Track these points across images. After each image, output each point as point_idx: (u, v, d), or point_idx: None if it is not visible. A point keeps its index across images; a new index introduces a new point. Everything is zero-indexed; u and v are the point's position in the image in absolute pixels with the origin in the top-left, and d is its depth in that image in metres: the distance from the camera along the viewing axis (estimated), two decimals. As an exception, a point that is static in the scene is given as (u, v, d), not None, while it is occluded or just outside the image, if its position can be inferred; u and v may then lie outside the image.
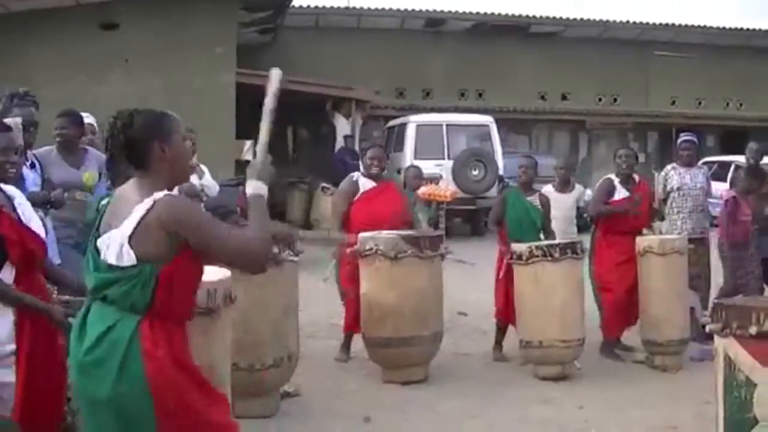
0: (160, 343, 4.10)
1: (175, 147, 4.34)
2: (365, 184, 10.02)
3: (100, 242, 4.19)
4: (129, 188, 4.29)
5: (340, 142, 25.38)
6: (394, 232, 9.19)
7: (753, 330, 4.89)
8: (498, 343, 10.27)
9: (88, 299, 4.26)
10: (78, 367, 4.17)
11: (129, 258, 4.06)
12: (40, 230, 5.31)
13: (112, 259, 4.11)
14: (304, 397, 8.29)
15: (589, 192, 12.60)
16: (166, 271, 4.08)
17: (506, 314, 10.06)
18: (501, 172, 22.73)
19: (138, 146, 4.27)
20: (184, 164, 4.51)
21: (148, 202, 4.11)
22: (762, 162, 11.88)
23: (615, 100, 35.46)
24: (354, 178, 10.19)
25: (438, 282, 9.15)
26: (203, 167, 10.93)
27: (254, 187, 4.30)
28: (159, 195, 4.13)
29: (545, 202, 10.46)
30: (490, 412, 7.98)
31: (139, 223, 4.08)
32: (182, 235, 4.09)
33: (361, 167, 10.51)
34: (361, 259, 8.95)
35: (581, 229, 12.07)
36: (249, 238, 4.21)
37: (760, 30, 36.42)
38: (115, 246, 4.11)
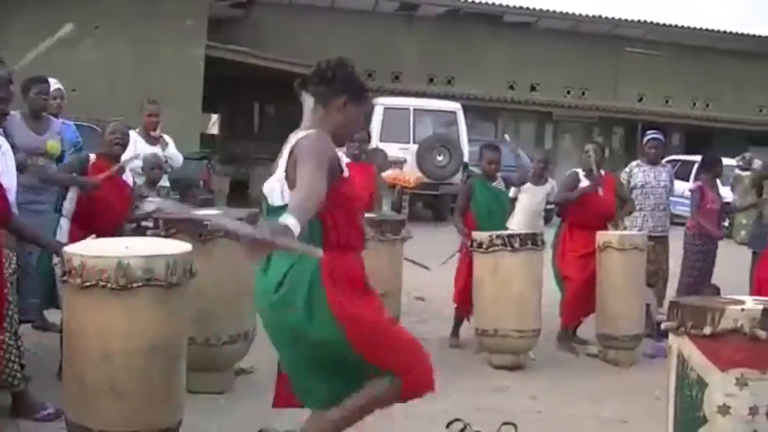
0: (336, 273, 4.75)
1: (352, 112, 5.19)
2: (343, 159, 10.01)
3: (265, 188, 4.88)
4: (292, 134, 5.00)
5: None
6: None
7: (707, 330, 4.94)
8: (456, 330, 10.32)
9: None
10: (269, 305, 4.82)
11: (287, 195, 4.66)
12: (10, 185, 5.38)
13: (278, 201, 4.77)
14: (258, 374, 8.26)
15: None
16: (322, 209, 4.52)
17: (463, 300, 10.12)
18: (466, 159, 22.78)
19: (333, 87, 5.22)
20: (349, 130, 5.29)
21: (292, 141, 4.84)
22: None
23: (583, 93, 35.64)
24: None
25: (397, 266, 9.18)
26: (168, 138, 10.91)
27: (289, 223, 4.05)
28: (301, 134, 4.88)
29: (510, 181, 10.55)
30: (444, 399, 8.00)
31: (287, 163, 4.73)
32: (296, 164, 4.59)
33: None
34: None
35: (546, 221, 12.13)
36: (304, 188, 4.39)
37: (729, 32, 36.72)
38: (277, 188, 4.78)
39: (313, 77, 5.38)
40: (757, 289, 10.26)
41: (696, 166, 23.96)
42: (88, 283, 5.23)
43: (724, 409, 4.92)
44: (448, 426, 7.13)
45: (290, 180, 4.69)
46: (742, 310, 4.94)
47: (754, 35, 37.42)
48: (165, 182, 10.56)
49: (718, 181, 11.74)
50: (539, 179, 11.67)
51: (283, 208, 4.46)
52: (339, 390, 5.07)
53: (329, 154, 4.85)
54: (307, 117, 5.15)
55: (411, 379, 5.23)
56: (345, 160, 9.73)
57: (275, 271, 4.79)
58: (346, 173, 5.04)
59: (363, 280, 5.15)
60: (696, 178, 12.90)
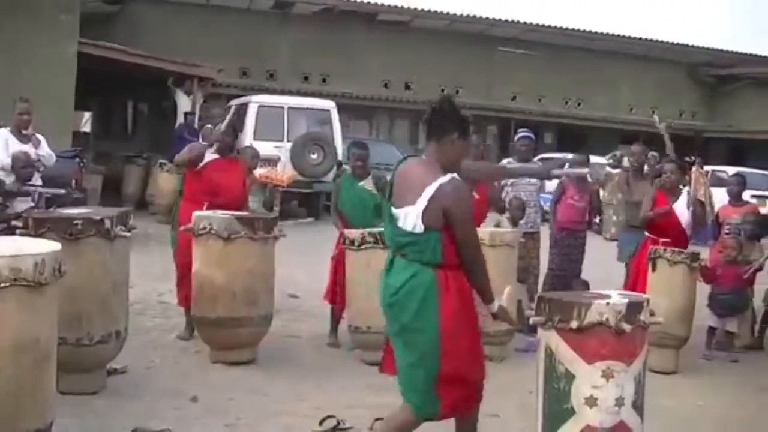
0: (451, 288, 5.67)
1: (461, 146, 5.87)
2: (211, 154, 9.94)
3: (396, 212, 5.80)
4: (416, 168, 5.87)
5: (181, 119, 25.11)
6: (229, 212, 9.18)
7: (574, 324, 5.04)
8: (334, 329, 10.33)
9: (390, 254, 5.96)
10: (388, 303, 5.85)
11: (420, 227, 5.64)
12: None
13: (409, 228, 5.70)
14: (131, 374, 8.22)
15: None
16: (444, 237, 5.63)
17: (332, 296, 10.19)
18: (340, 157, 22.81)
19: (446, 125, 5.83)
20: (459, 162, 5.91)
21: (434, 186, 5.62)
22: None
23: (457, 92, 35.83)
24: (203, 143, 10.14)
25: (270, 264, 9.15)
26: (40, 137, 10.76)
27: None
28: (444, 180, 5.64)
29: (381, 186, 10.56)
30: (317, 396, 8.03)
31: (428, 202, 5.60)
32: (450, 217, 5.60)
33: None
34: (195, 238, 8.90)
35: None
36: (478, 246, 5.82)
37: (601, 33, 37.26)
38: (411, 218, 5.67)
39: (427, 116, 5.95)
40: (634, 276, 10.52)
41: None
42: (-45, 283, 5.14)
43: (591, 401, 5.02)
44: (321, 423, 7.15)
45: (429, 219, 5.62)
46: (608, 304, 5.05)
47: (625, 36, 38.01)
48: (37, 180, 10.42)
49: (590, 179, 11.91)
50: None
51: (413, 235, 5.69)
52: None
53: None
54: (429, 152, 5.87)
55: (447, 404, 5.83)
56: (212, 156, 9.69)
57: (397, 277, 5.81)
58: None
59: (471, 298, 5.90)
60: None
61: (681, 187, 10.89)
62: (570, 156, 17.77)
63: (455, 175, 5.74)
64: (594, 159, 25.46)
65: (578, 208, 11.77)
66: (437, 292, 5.66)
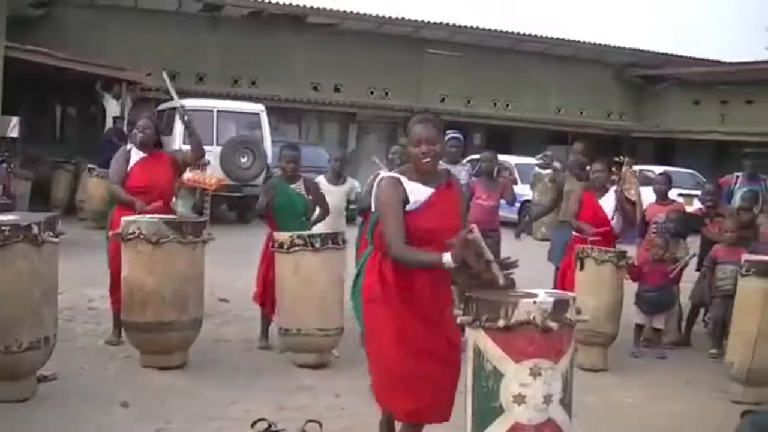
0: (375, 270, 5.92)
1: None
2: (137, 153, 9.90)
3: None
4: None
5: (110, 123, 24.93)
6: (157, 216, 9.15)
7: (501, 323, 5.06)
8: (264, 331, 10.31)
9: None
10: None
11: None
12: None
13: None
14: (60, 381, 8.14)
15: (358, 185, 12.76)
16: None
17: (263, 299, 10.19)
18: (269, 160, 22.78)
19: None
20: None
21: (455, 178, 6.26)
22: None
23: (386, 94, 35.98)
24: (127, 149, 10.07)
25: (199, 268, 9.12)
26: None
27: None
28: (381, 173, 6.20)
29: (312, 188, 10.57)
30: (248, 399, 8.03)
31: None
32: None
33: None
34: (124, 243, 8.85)
35: (349, 221, 12.19)
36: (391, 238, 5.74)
37: (529, 34, 37.51)
38: None
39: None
40: (561, 277, 10.63)
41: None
42: None
43: (519, 399, 5.05)
44: (252, 425, 7.15)
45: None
46: (534, 302, 5.08)
47: (553, 37, 38.32)
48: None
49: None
50: (337, 178, 11.74)
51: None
52: None
53: None
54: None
55: (379, 396, 6.09)
56: (140, 154, 9.64)
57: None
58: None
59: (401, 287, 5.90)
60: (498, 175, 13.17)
61: (608, 186, 10.99)
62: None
63: (393, 172, 5.95)
64: (523, 160, 25.87)
65: (487, 207, 11.80)
66: (365, 268, 6.16)
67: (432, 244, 5.67)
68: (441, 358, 5.90)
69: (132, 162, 9.81)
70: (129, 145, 10.19)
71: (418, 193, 5.81)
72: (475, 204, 11.62)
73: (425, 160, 5.79)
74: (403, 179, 5.82)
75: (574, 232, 10.92)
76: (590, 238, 10.51)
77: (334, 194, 11.39)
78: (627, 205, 11.07)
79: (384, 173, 6.04)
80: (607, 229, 10.71)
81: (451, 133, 11.78)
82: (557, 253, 11.61)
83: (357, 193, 11.93)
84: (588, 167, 11.35)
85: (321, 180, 11.51)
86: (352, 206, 12.17)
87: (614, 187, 11.06)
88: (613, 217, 10.85)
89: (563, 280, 10.63)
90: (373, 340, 6.02)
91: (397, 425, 6.29)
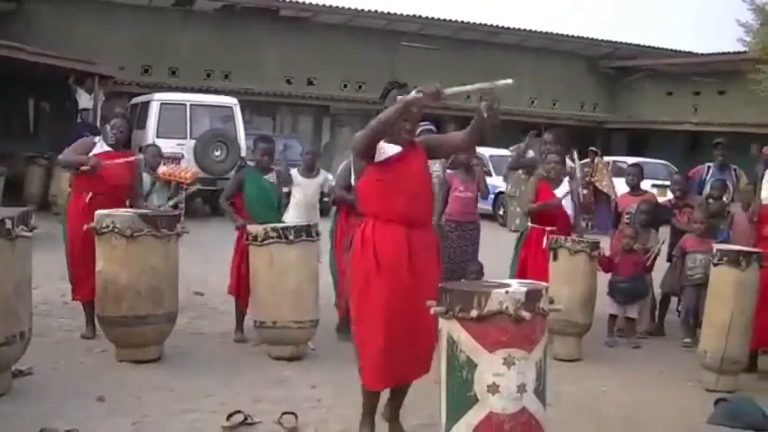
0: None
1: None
2: (102, 146, 9.86)
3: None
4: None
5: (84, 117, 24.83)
6: (132, 210, 9.15)
7: (474, 313, 5.11)
8: (239, 324, 10.30)
9: None
10: None
11: None
12: None
13: None
14: (36, 375, 8.13)
15: (332, 177, 12.77)
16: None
17: (237, 291, 10.19)
18: (243, 153, 22.77)
19: None
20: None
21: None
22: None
23: (360, 87, 35.95)
24: (94, 140, 10.02)
25: (174, 261, 9.12)
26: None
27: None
28: None
29: (285, 178, 10.58)
30: (224, 392, 8.03)
31: None
32: None
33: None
34: (97, 237, 8.84)
35: (323, 213, 12.19)
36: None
37: (502, 26, 37.57)
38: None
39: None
40: (522, 266, 10.68)
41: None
42: None
43: (493, 388, 5.10)
44: (228, 418, 7.14)
45: None
46: (507, 292, 5.13)
47: (526, 29, 38.42)
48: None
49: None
50: (310, 172, 11.75)
51: None
52: None
53: None
54: None
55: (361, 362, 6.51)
56: (104, 147, 9.62)
57: None
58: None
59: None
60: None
61: (562, 177, 11.04)
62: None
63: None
64: (496, 152, 25.89)
65: (465, 198, 11.84)
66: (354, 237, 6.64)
67: (400, 194, 6.39)
68: (417, 318, 6.12)
69: (94, 152, 9.76)
70: (97, 138, 10.14)
71: (388, 148, 6.59)
72: (453, 196, 11.66)
73: (405, 136, 6.67)
74: None
75: (530, 224, 10.97)
76: (547, 228, 10.57)
77: (307, 187, 11.41)
78: (580, 193, 11.16)
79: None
80: (564, 218, 10.76)
81: (423, 125, 11.77)
82: None
83: (330, 185, 11.95)
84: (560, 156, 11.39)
85: (294, 173, 11.53)
86: (325, 199, 12.20)
87: (567, 178, 11.10)
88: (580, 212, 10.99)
89: (523, 271, 10.65)
90: (357, 302, 6.51)
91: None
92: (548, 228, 10.57)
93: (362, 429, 6.83)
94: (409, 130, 6.68)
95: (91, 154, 9.71)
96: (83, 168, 9.59)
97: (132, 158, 10.16)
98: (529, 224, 10.97)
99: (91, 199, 9.48)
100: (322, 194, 12.12)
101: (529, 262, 10.63)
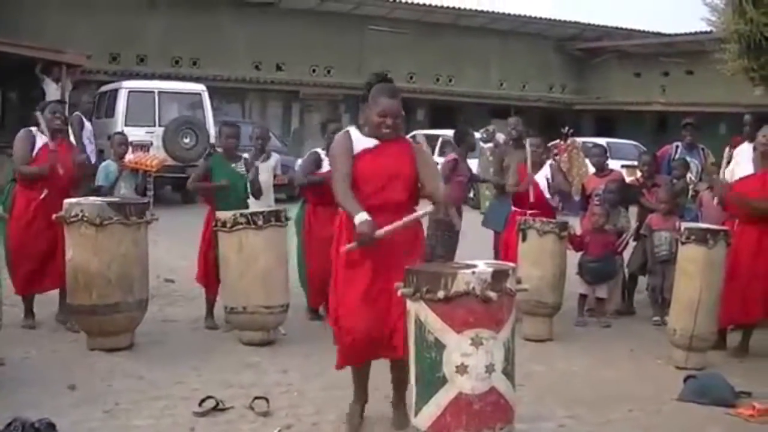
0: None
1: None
2: (41, 137, 9.81)
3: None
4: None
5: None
6: (100, 198, 9.14)
7: (441, 294, 5.14)
8: (210, 311, 10.29)
9: None
10: None
11: None
12: None
13: None
14: (8, 365, 8.13)
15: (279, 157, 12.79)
16: None
17: (205, 279, 10.21)
18: (212, 140, 22.74)
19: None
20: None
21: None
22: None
23: (329, 71, 35.92)
24: (32, 132, 9.95)
25: (143, 249, 9.11)
26: None
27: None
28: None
29: (249, 166, 10.58)
30: (195, 378, 8.05)
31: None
32: None
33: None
34: (67, 226, 8.82)
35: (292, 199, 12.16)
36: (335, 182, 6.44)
37: (470, 9, 37.63)
38: None
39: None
40: (504, 252, 10.74)
41: (440, 140, 24.74)
42: None
43: (462, 369, 5.13)
44: (200, 404, 7.16)
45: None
46: (473, 273, 5.16)
47: (493, 12, 38.49)
48: None
49: None
50: (260, 155, 11.74)
51: None
52: None
53: None
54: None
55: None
56: (44, 139, 9.56)
57: None
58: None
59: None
60: (442, 151, 13.24)
61: (544, 159, 11.12)
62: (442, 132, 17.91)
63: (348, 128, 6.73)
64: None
65: (464, 183, 11.96)
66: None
67: (368, 184, 6.44)
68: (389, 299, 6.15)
69: (37, 147, 9.76)
70: (33, 128, 10.03)
71: (363, 142, 6.49)
72: (459, 183, 11.74)
73: (386, 131, 6.46)
74: (354, 132, 6.56)
75: (513, 207, 11.04)
76: (529, 211, 10.64)
77: (261, 172, 11.38)
78: (558, 177, 11.20)
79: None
80: (544, 201, 10.84)
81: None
82: (495, 218, 11.73)
83: (282, 166, 11.95)
84: (524, 139, 11.45)
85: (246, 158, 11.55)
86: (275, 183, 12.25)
87: (549, 161, 11.17)
88: (552, 194, 11.04)
89: (506, 253, 10.71)
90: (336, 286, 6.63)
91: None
92: (530, 211, 10.66)
93: (349, 417, 6.89)
94: (390, 126, 6.47)
95: (36, 148, 9.72)
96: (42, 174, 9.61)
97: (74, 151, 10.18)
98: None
99: (45, 196, 9.49)
100: (275, 176, 12.13)
101: (511, 245, 10.69)
